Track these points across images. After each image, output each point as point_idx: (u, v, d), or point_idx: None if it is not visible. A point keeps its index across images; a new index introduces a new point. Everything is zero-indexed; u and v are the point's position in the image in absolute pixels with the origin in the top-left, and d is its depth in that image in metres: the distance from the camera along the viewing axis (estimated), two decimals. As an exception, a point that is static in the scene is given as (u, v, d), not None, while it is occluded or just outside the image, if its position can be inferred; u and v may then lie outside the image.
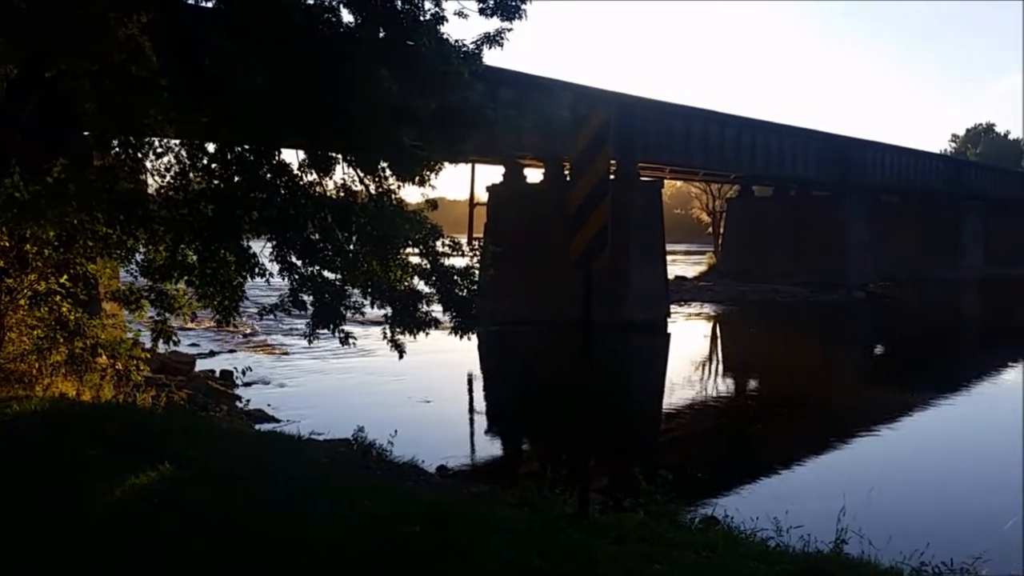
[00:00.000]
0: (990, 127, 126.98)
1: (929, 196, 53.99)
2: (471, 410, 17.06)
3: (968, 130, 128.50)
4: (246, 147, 8.81)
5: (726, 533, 6.80)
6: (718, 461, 13.09)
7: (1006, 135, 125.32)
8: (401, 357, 9.18)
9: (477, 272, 9.62)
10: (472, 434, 14.82)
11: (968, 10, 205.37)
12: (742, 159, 37.98)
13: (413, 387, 17.10)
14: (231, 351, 21.19)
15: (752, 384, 21.55)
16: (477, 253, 9.93)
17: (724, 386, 21.01)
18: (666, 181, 42.03)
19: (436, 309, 9.25)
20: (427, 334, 9.07)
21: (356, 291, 9.16)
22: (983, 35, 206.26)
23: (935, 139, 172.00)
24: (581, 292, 6.21)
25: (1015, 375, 22.22)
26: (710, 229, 61.07)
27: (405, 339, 9.16)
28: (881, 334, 33.02)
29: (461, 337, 9.25)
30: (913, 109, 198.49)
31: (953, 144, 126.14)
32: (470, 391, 18.79)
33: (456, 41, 8.85)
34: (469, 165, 33.04)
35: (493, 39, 9.03)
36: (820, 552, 6.08)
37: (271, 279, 9.12)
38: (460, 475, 11.16)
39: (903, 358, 26.66)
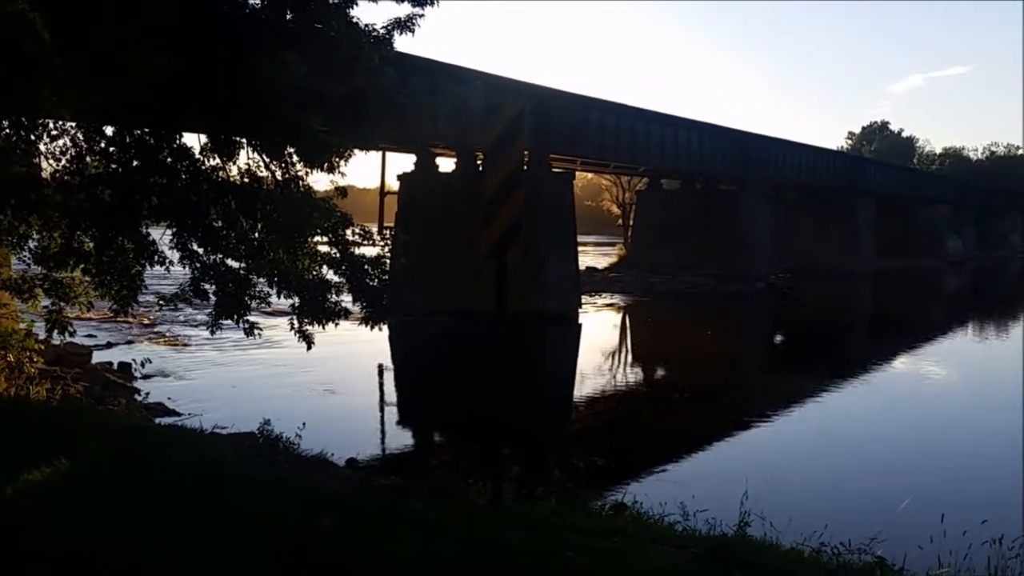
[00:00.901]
0: (884, 125, 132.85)
1: (826, 191, 56.09)
2: (382, 402, 16.87)
3: (864, 128, 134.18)
4: (145, 130, 8.43)
5: (635, 518, 6.92)
6: (628, 448, 13.30)
7: (899, 133, 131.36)
8: (309, 348, 8.98)
9: (388, 261, 9.48)
10: (383, 426, 14.64)
11: (867, 15, 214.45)
12: (651, 152, 38.67)
13: (322, 379, 16.80)
14: (129, 342, 20.39)
15: (660, 373, 21.99)
16: (388, 242, 9.77)
17: (633, 375, 21.39)
18: (578, 173, 42.46)
19: (346, 299, 9.07)
20: (336, 324, 8.89)
21: (261, 280, 8.90)
22: (881, 38, 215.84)
23: (833, 137, 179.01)
24: (494, 282, 6.18)
25: (905, 361, 23.32)
26: (620, 221, 62.00)
27: (313, 330, 8.95)
28: (781, 323, 34.18)
29: (372, 327, 9.10)
30: (813, 108, 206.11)
31: (849, 141, 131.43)
32: (381, 382, 18.57)
33: (366, 25, 8.67)
34: (380, 153, 32.64)
35: (404, 24, 8.89)
36: (725, 535, 6.24)
37: (171, 268, 8.80)
38: (371, 467, 11.02)
39: (801, 346, 27.67)
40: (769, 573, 5.23)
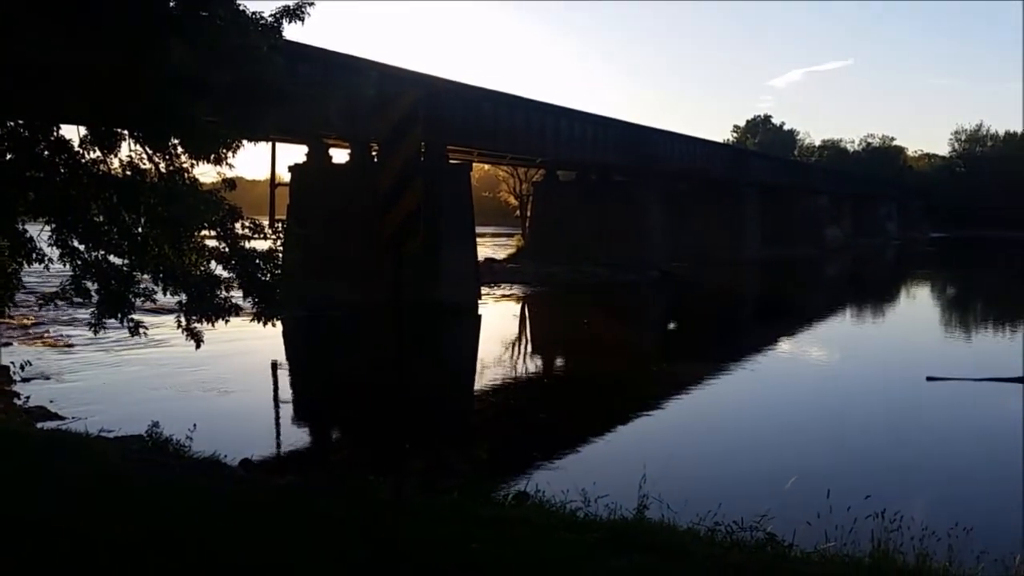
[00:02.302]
0: (767, 118, 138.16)
1: (715, 182, 57.91)
2: (276, 400, 16.45)
3: (748, 121, 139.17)
4: (20, 122, 7.96)
5: (539, 507, 6.98)
6: (530, 437, 13.41)
7: (781, 126, 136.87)
8: (199, 347, 8.66)
9: (280, 255, 9.23)
10: (278, 424, 14.30)
11: (750, 12, 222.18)
12: (547, 144, 39.05)
13: (213, 378, 16.28)
14: (7, 344, 19.22)
15: (559, 362, 22.27)
16: (280, 235, 9.51)
17: (533, 365, 21.59)
18: (474, 164, 42.47)
19: (236, 295, 8.79)
20: (227, 321, 8.60)
21: (146, 277, 8.54)
22: (763, 34, 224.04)
23: (720, 130, 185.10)
24: (391, 275, 6.10)
25: (789, 345, 24.36)
26: (518, 212, 62.37)
27: (203, 327, 8.64)
28: (674, 312, 35.14)
29: (264, 324, 8.86)
30: (701, 103, 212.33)
31: (735, 134, 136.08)
32: (275, 380, 18.11)
33: (253, 13, 8.41)
34: (269, 144, 31.82)
35: (293, 13, 8.66)
36: (625, 518, 6.36)
37: (51, 265, 8.34)
38: (267, 467, 10.73)
39: (694, 333, 28.56)
40: (666, 553, 5.36)
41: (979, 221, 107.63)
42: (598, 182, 48.77)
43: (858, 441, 13.58)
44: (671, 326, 31.83)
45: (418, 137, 6.08)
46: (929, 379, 17.64)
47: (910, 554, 5.89)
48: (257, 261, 8.76)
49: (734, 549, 5.68)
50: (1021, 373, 17.63)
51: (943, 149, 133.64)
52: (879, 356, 23.35)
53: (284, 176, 32.43)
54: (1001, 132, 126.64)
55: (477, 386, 17.96)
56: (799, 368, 20.85)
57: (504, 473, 10.31)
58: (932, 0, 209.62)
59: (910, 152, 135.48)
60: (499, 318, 29.14)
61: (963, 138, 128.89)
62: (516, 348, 23.72)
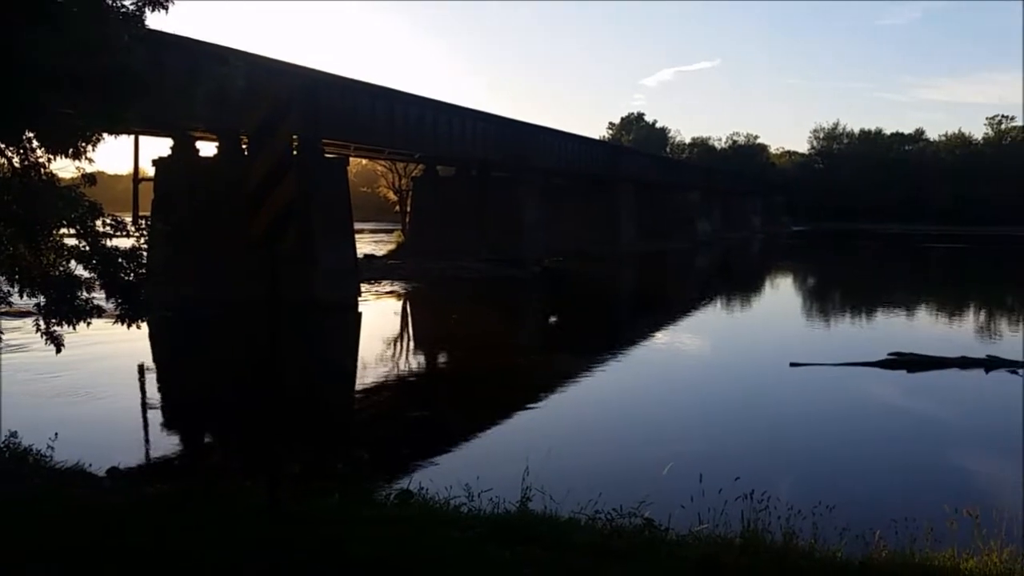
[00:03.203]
0: (640, 116, 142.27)
1: (592, 178, 59.12)
2: (145, 405, 15.69)
3: (622, 119, 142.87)
4: None
5: (421, 505, 6.93)
6: (413, 435, 13.32)
7: (653, 124, 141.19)
8: (59, 351, 8.15)
9: (145, 254, 8.79)
10: (147, 431, 13.64)
11: (623, 14, 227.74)
12: (426, 139, 38.85)
13: (75, 383, 15.40)
14: None
15: (442, 358, 22.21)
16: (144, 233, 9.05)
17: (416, 361, 21.44)
18: (352, 159, 41.80)
19: (99, 296, 8.32)
20: (88, 324, 8.13)
21: (1, 279, 7.97)
22: (636, 34, 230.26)
23: (596, 127, 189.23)
24: (265, 272, 5.91)
25: (663, 336, 25.13)
26: (398, 208, 61.81)
27: (63, 330, 8.13)
28: (555, 305, 35.63)
29: (129, 326, 8.41)
30: (578, 100, 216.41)
31: (610, 132, 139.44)
32: (142, 384, 17.28)
33: (113, 1, 7.96)
34: (132, 137, 30.32)
35: (156, 1, 8.25)
36: (508, 511, 6.40)
37: None
38: (135, 476, 10.23)
39: (574, 326, 29.05)
40: (548, 543, 5.43)
41: (836, 214, 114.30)
42: (478, 177, 48.92)
43: (728, 426, 14.15)
44: (552, 319, 32.28)
45: (290, 130, 5.92)
46: (792, 365, 18.59)
47: (778, 533, 6.18)
48: (120, 260, 8.30)
49: (614, 536, 5.82)
50: (876, 358, 18.83)
51: (803, 147, 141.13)
52: (747, 344, 24.42)
53: (149, 170, 30.92)
54: (856, 130, 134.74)
55: (358, 385, 17.67)
56: (673, 358, 21.54)
57: (386, 472, 10.19)
58: (793, 1, 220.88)
59: (773, 150, 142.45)
60: (380, 315, 28.80)
61: (821, 136, 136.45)
62: (398, 345, 23.50)
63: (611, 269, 50.72)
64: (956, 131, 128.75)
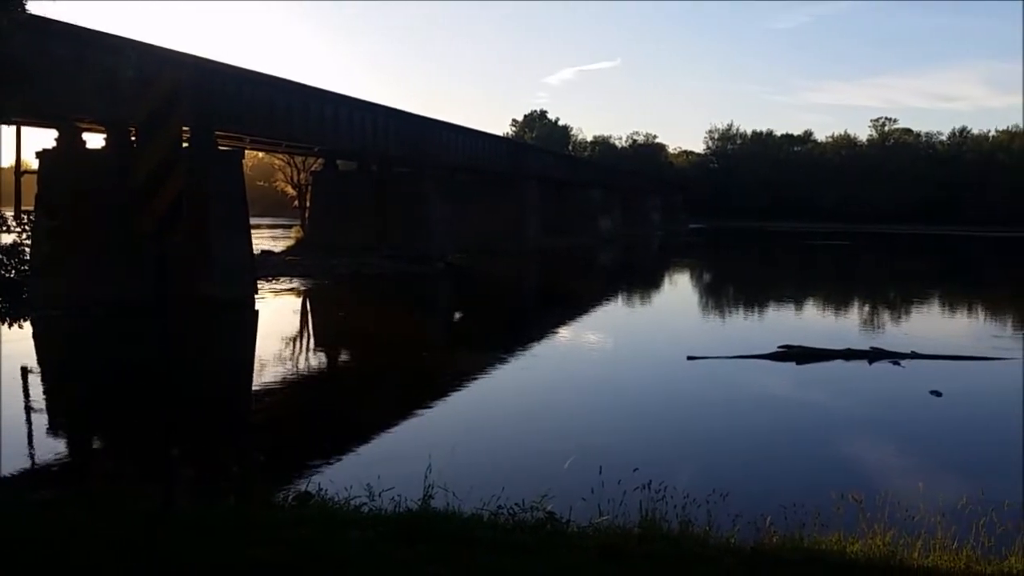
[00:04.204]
0: (543, 114, 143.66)
1: (497, 175, 59.28)
2: (29, 409, 14.88)
3: (525, 116, 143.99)
4: None
5: (321, 506, 6.81)
6: (313, 436, 13.06)
7: (556, 122, 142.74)
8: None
9: (28, 250, 8.35)
10: (31, 436, 12.93)
11: (525, 12, 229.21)
12: (326, 132, 38.14)
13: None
14: None
15: (344, 356, 21.89)
16: (27, 228, 8.59)
17: (316, 360, 21.04)
18: (248, 152, 40.67)
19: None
20: (-37, 325, 7.67)
21: None
22: (539, 33, 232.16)
23: (499, 124, 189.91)
24: (155, 269, 5.69)
25: (567, 331, 25.44)
26: (296, 202, 60.48)
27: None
28: (459, 302, 35.62)
29: (11, 325, 7.99)
30: (482, 97, 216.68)
31: (514, 128, 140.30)
32: (25, 387, 16.39)
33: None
34: (14, 127, 28.72)
35: (36, -16, 7.84)
36: (411, 510, 6.36)
37: None
38: (18, 483, 9.70)
39: (479, 322, 29.10)
40: (452, 540, 5.41)
41: (732, 212, 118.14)
42: (380, 172, 48.33)
43: (628, 419, 14.44)
44: (457, 316, 32.24)
45: (180, 121, 5.71)
46: (689, 358, 19.11)
47: (674, 521, 6.35)
48: (0, 257, 7.87)
49: (516, 530, 5.85)
50: (767, 351, 19.55)
51: (699, 147, 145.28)
52: (647, 339, 24.98)
53: (33, 163, 29.32)
54: (749, 131, 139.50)
55: (255, 385, 17.21)
56: (576, 353, 21.81)
57: (286, 475, 9.98)
58: (688, 3, 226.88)
59: (671, 149, 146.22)
60: (278, 313, 28.15)
61: (716, 137, 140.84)
62: (297, 344, 23.01)
63: (516, 265, 51.02)
64: (843, 133, 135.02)
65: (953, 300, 37.18)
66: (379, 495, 6.69)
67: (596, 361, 20.78)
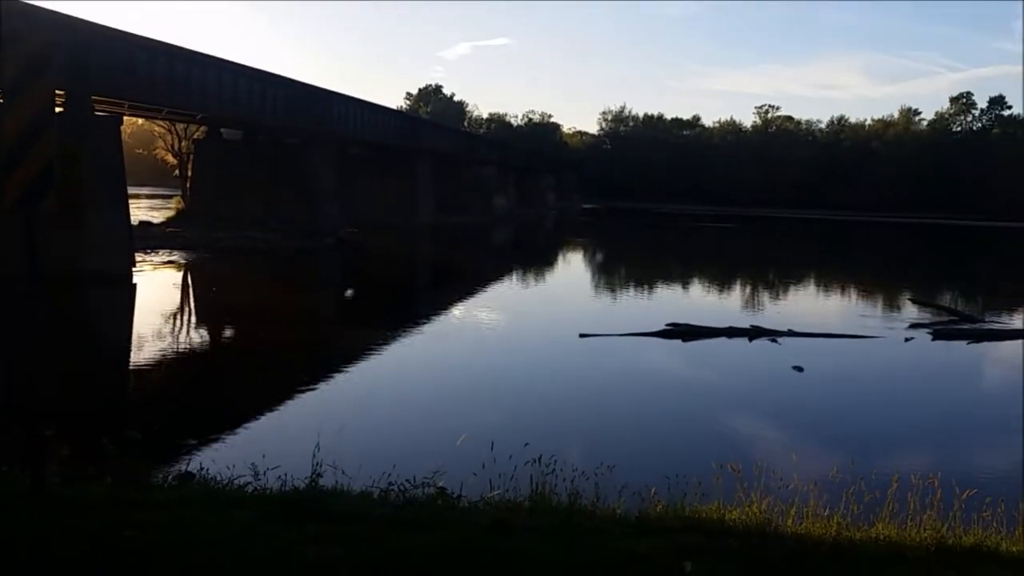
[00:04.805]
0: (438, 89, 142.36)
1: (390, 149, 58.46)
2: None
3: (420, 90, 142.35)
4: None
5: (203, 486, 6.62)
6: (195, 414, 12.65)
7: (451, 97, 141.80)
8: None
9: None
10: None
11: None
12: (210, 100, 36.65)
13: None
14: None
15: (229, 333, 21.25)
16: None
17: (199, 337, 20.35)
18: (127, 118, 38.74)
19: None
20: None
21: None
22: (434, 5, 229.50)
23: (393, 97, 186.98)
24: (25, 241, 5.35)
25: (461, 309, 25.47)
26: (177, 172, 58.04)
27: None
28: (351, 278, 35.09)
29: None
30: (376, 68, 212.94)
31: (408, 102, 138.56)
32: None
33: None
34: None
35: None
36: (297, 488, 6.23)
37: None
38: None
39: (371, 299, 28.76)
40: (339, 519, 5.34)
41: (624, 193, 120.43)
42: (268, 143, 46.86)
43: (521, 396, 14.62)
44: (348, 293, 31.77)
45: (50, 84, 5.36)
46: (582, 336, 19.45)
47: (564, 494, 6.46)
48: None
49: (407, 506, 5.83)
50: (655, 328, 20.10)
51: (593, 128, 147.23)
52: (540, 316, 25.28)
53: None
54: (641, 114, 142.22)
55: (133, 363, 16.51)
56: (469, 330, 21.88)
57: (166, 454, 9.64)
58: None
59: (565, 129, 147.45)
60: (158, 287, 27.05)
61: (610, 118, 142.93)
62: (178, 319, 22.18)
63: (409, 242, 50.61)
64: (729, 119, 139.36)
65: (827, 281, 39.14)
66: (264, 474, 6.53)
67: (489, 339, 20.89)
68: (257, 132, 46.72)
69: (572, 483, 6.62)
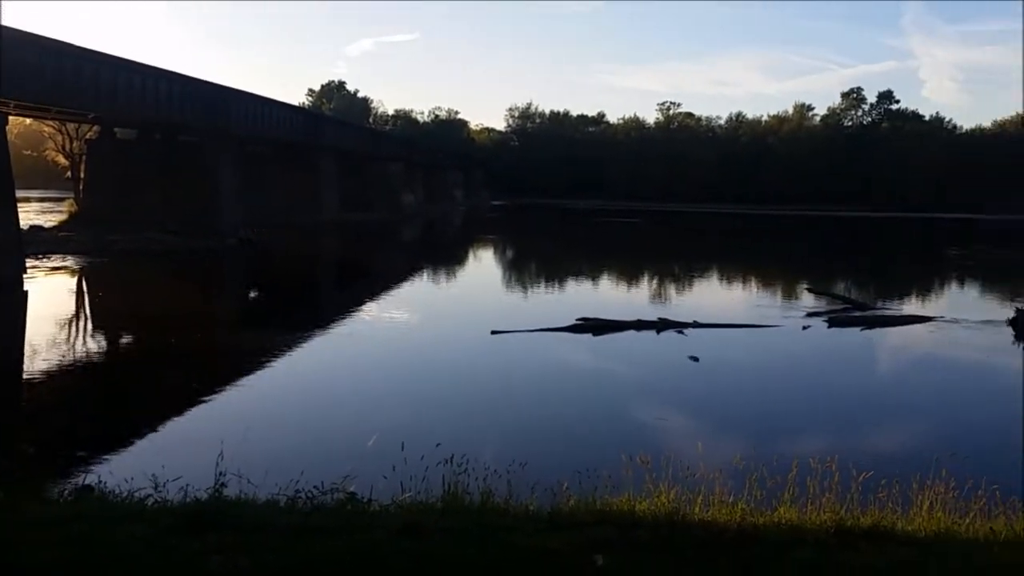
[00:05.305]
0: (341, 85, 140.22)
1: (293, 146, 57.28)
2: None
3: (323, 86, 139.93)
4: None
5: (101, 500, 6.35)
6: (93, 425, 12.13)
7: (355, 93, 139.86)
8: None
9: None
10: None
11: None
12: (102, 98, 35.06)
13: None
14: None
15: (128, 339, 20.44)
16: None
17: (95, 344, 19.50)
18: (12, 118, 36.75)
19: None
20: None
21: None
22: (338, 4, 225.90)
23: (294, 94, 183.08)
24: None
25: (371, 308, 25.15)
26: (69, 174, 55.42)
27: None
28: (255, 279, 34.24)
29: None
30: (277, 64, 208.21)
31: (311, 99, 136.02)
32: None
33: None
34: None
35: None
36: (200, 500, 6.04)
37: None
38: None
39: (277, 300, 28.11)
40: (244, 528, 5.20)
41: (532, 190, 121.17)
42: (165, 142, 45.22)
43: (432, 395, 14.53)
44: (252, 294, 30.97)
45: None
46: (494, 333, 19.48)
47: (476, 493, 6.44)
48: None
49: (315, 513, 5.70)
50: (566, 323, 20.30)
51: (500, 124, 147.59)
52: (451, 314, 25.19)
53: None
54: (547, 111, 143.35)
55: (26, 372, 15.68)
56: (379, 330, 21.63)
57: (62, 468, 9.19)
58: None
59: (473, 126, 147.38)
60: (52, 293, 25.80)
61: (516, 115, 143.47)
62: (73, 326, 21.19)
63: (315, 241, 49.73)
64: (632, 115, 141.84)
65: (730, 273, 40.31)
66: (165, 485, 6.30)
67: (400, 338, 20.70)
68: (154, 131, 45.04)
69: (485, 482, 6.61)
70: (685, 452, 7.83)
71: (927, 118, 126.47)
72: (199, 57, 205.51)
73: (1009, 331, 21.55)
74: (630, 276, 37.45)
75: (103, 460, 9.82)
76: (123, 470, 7.73)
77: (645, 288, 33.59)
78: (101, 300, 26.28)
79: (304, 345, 18.64)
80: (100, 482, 6.83)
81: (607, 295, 29.77)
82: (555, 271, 39.50)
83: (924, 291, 33.61)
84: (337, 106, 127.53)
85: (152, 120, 40.83)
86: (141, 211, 41.59)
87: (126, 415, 12.74)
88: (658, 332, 20.53)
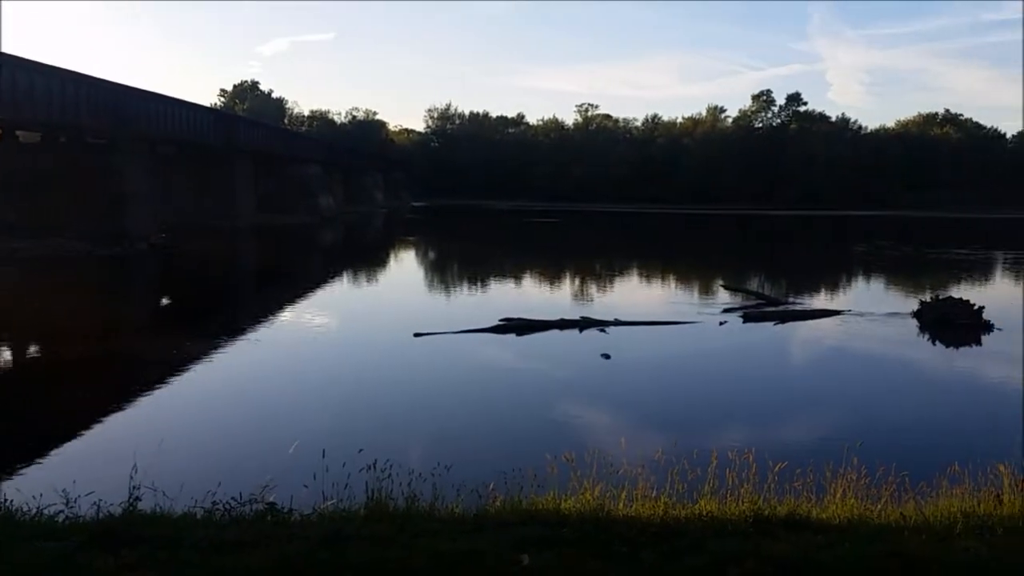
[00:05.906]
0: (255, 85, 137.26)
1: (205, 148, 55.78)
2: None
3: (235, 86, 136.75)
4: None
5: (7, 517, 6.07)
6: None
7: (270, 93, 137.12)
8: None
9: None
10: None
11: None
12: (2, 100, 33.50)
13: None
14: None
15: (32, 350, 19.56)
16: None
17: (-4, 356, 18.61)
18: (-99, 120, 34.79)
19: None
20: None
21: None
22: (252, 5, 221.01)
23: (205, 94, 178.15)
24: None
25: (289, 313, 24.68)
26: (-33, 179, 52.73)
27: None
28: (167, 286, 33.24)
29: None
30: (187, 64, 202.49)
31: (223, 99, 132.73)
32: None
33: None
34: None
35: None
36: (112, 515, 5.83)
37: None
38: None
39: (189, 307, 27.32)
40: (159, 543, 5.02)
41: (452, 191, 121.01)
42: (69, 144, 43.41)
43: (354, 399, 14.32)
44: (164, 301, 30.03)
45: None
46: (416, 335, 19.34)
47: (400, 498, 6.37)
48: None
49: (232, 526, 5.55)
50: (489, 324, 20.31)
51: (420, 125, 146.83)
52: (372, 317, 24.91)
53: None
54: (467, 112, 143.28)
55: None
56: (299, 335, 21.22)
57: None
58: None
59: (392, 127, 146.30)
60: (-52, 304, 24.52)
61: (436, 116, 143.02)
62: (-27, 338, 20.18)
63: (230, 245, 48.55)
64: (552, 117, 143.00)
65: (648, 271, 41.01)
66: (76, 501, 6.04)
67: (319, 343, 20.35)
68: (58, 133, 43.22)
69: (409, 487, 6.55)
70: (609, 448, 7.90)
71: (833, 119, 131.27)
72: (106, 59, 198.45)
73: (914, 323, 22.52)
74: (552, 276, 37.70)
75: (8, 476, 9.37)
76: (31, 486, 7.41)
77: (567, 287, 33.85)
78: (1, 311, 25.07)
79: (220, 353, 18.16)
80: (6, 500, 6.50)
81: (530, 295, 29.90)
82: (477, 272, 39.47)
83: (833, 285, 34.79)
84: (251, 107, 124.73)
85: (55, 123, 39.16)
86: (47, 217, 39.87)
87: (32, 429, 12.17)
88: (580, 331, 20.72)
